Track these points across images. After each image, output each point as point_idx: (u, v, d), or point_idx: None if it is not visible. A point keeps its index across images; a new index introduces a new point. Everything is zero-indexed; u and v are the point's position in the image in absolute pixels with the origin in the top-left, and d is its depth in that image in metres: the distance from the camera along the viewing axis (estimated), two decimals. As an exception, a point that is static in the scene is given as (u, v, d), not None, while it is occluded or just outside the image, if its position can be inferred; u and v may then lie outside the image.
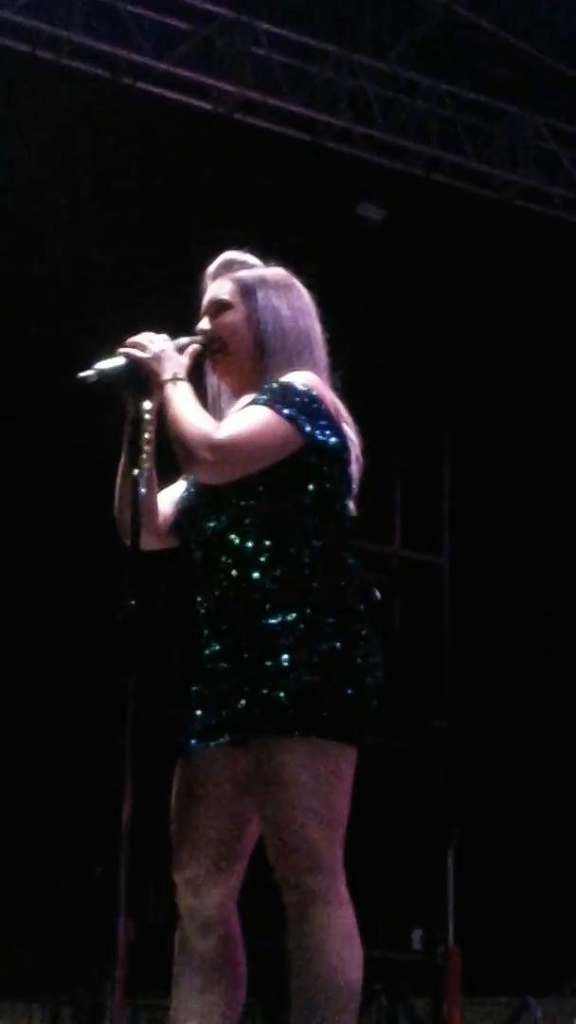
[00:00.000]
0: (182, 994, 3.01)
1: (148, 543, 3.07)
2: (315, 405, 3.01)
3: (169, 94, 8.48)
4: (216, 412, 3.16)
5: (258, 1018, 7.58)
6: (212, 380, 3.20)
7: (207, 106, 8.58)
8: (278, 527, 2.98)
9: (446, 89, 9.14)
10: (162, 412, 3.00)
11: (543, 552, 9.60)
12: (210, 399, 3.20)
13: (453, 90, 9.17)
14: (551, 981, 8.69)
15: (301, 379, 3.04)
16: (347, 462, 3.06)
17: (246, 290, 3.16)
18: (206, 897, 3.01)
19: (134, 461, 2.95)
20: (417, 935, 8.28)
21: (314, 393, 3.03)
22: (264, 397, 2.99)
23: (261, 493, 2.99)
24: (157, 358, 3.02)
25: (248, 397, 3.07)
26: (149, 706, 2.80)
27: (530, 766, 8.98)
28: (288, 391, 3.00)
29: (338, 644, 2.95)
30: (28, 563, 8.37)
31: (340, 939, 2.87)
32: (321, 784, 2.89)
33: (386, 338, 8.99)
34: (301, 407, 2.99)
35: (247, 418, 2.97)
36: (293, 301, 3.17)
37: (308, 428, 2.99)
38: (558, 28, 8.81)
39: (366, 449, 3.13)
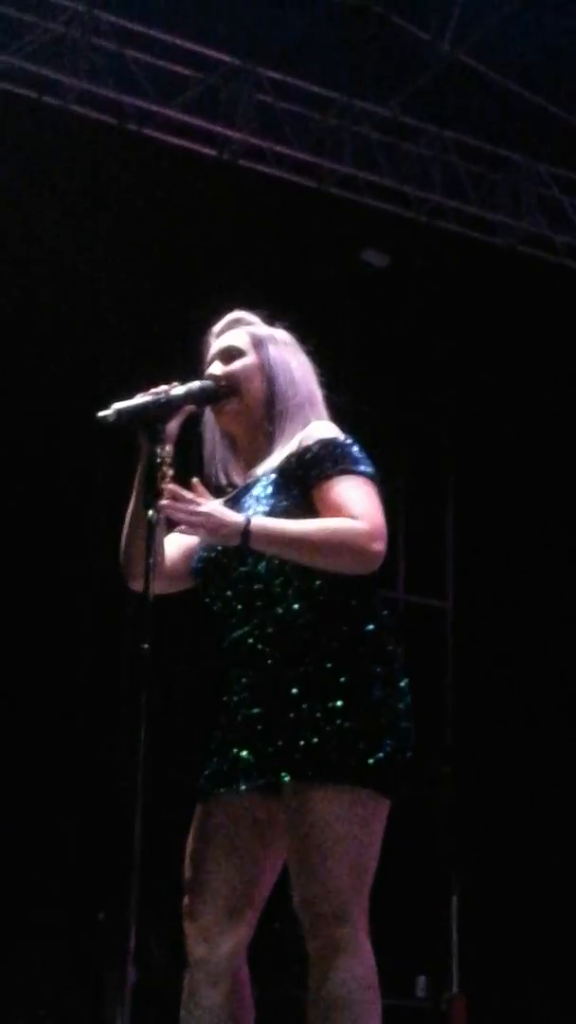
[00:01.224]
0: None
1: (157, 588, 3.05)
2: (363, 451, 3.05)
3: (174, 140, 8.53)
4: (213, 459, 3.18)
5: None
6: (211, 425, 3.21)
7: (212, 152, 8.63)
8: (319, 571, 2.97)
9: (449, 136, 9.19)
10: (163, 463, 2.98)
11: (546, 596, 9.58)
12: (208, 445, 3.21)
13: (456, 137, 9.22)
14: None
15: (332, 430, 3.07)
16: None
17: (258, 341, 3.20)
18: (218, 947, 2.98)
19: (148, 504, 2.94)
20: (421, 982, 8.22)
21: (352, 441, 3.07)
22: (340, 465, 2.99)
23: None
24: (219, 521, 2.92)
25: (279, 450, 3.06)
26: (160, 752, 2.79)
27: (534, 811, 8.93)
28: (345, 449, 3.02)
29: (380, 693, 2.95)
30: (33, 601, 8.35)
31: (361, 991, 2.85)
32: (356, 834, 2.88)
33: (389, 383, 9.02)
34: (365, 460, 3.02)
35: (360, 494, 2.97)
36: (301, 360, 3.22)
37: (376, 476, 3.03)
38: (562, 76, 8.86)
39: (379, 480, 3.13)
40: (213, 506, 2.93)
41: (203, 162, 8.59)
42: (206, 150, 8.63)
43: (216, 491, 3.13)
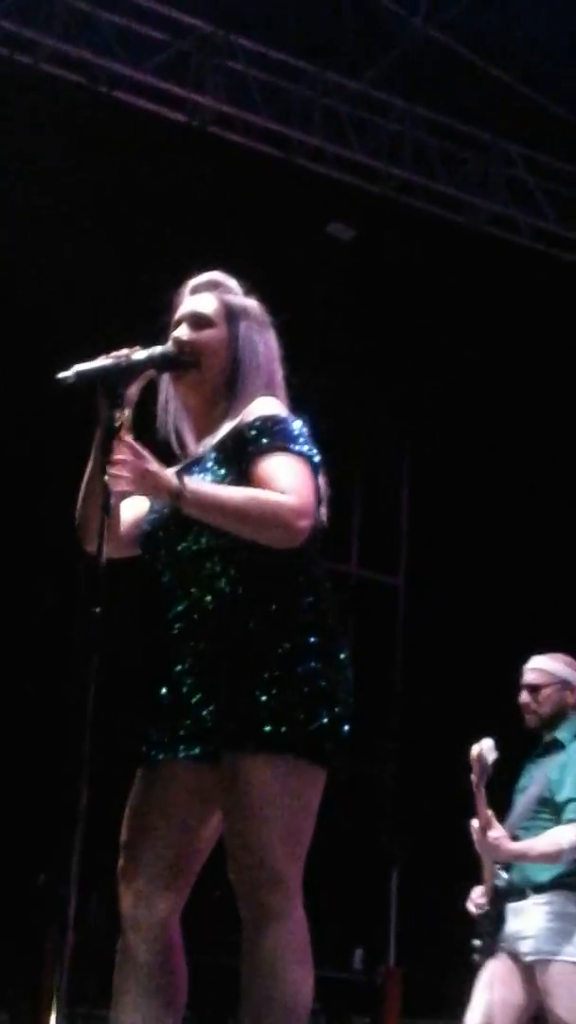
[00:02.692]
0: (124, 1003, 3.00)
1: (109, 551, 3.03)
2: (302, 429, 3.05)
3: (144, 104, 8.48)
4: (166, 425, 3.18)
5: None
6: (168, 391, 3.20)
7: (182, 118, 8.59)
8: (257, 547, 2.98)
9: (420, 113, 9.18)
10: (121, 427, 2.97)
11: (497, 573, 9.63)
12: (163, 411, 3.20)
13: (427, 114, 9.20)
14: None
15: (273, 407, 3.07)
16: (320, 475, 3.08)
17: (231, 314, 3.17)
18: (152, 908, 3.00)
19: (104, 468, 2.93)
20: (358, 955, 8.29)
21: (293, 419, 3.06)
22: (275, 442, 2.98)
23: None
24: (155, 479, 2.92)
25: (227, 425, 3.06)
26: (105, 716, 2.79)
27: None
28: (283, 427, 3.02)
29: (317, 665, 2.95)
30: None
31: (294, 959, 2.87)
32: (289, 802, 2.89)
33: (349, 357, 9.02)
34: (302, 438, 3.01)
35: (291, 471, 2.96)
36: (268, 340, 3.20)
37: (315, 457, 3.02)
38: (535, 58, 8.85)
39: (326, 469, 3.14)
40: (156, 466, 2.93)
41: (172, 128, 8.55)
42: (176, 115, 8.58)
43: (169, 458, 3.12)
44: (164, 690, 3.02)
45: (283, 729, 2.89)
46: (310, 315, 7.65)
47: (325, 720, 2.93)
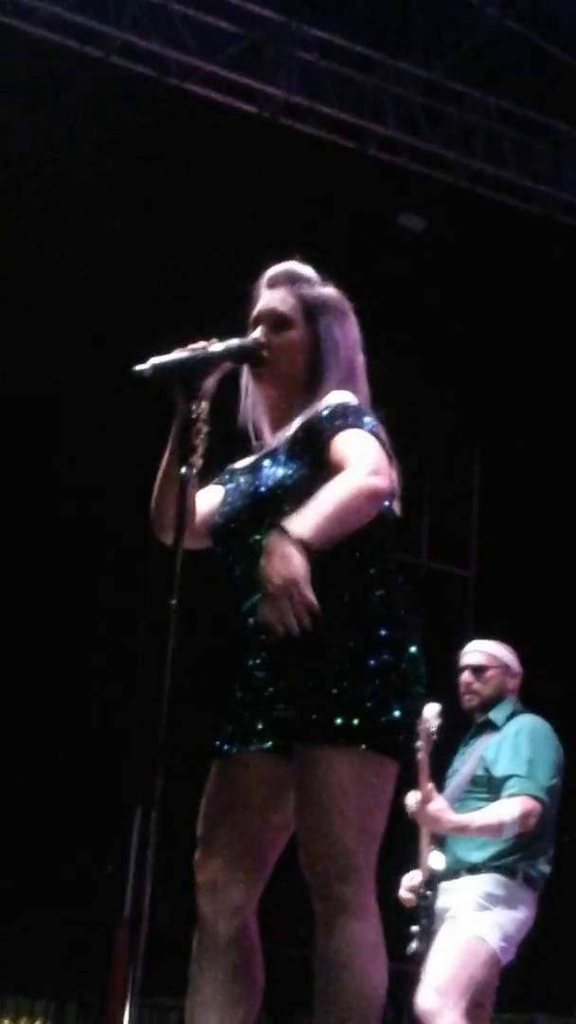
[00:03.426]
0: (201, 995, 3.00)
1: (186, 543, 3.03)
2: (373, 417, 3.05)
3: (215, 96, 8.48)
4: (247, 414, 3.19)
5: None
6: (247, 384, 3.20)
7: (252, 109, 8.58)
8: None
9: (492, 102, 9.12)
10: (198, 419, 2.97)
11: (569, 564, 9.57)
12: (245, 400, 3.20)
13: (500, 103, 9.14)
14: (559, 1000, 8.66)
15: (344, 397, 3.07)
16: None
17: (310, 312, 3.16)
18: (228, 899, 3.00)
19: (183, 460, 2.92)
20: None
21: (362, 405, 3.07)
22: (348, 422, 2.98)
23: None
24: (295, 568, 2.80)
25: (298, 420, 3.06)
26: (179, 709, 2.80)
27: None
28: (355, 411, 3.02)
29: (389, 657, 2.95)
30: (56, 558, 8.38)
31: (367, 951, 2.87)
32: (363, 795, 2.89)
33: (421, 348, 8.98)
34: (373, 422, 3.02)
35: (360, 442, 2.95)
36: (348, 331, 3.19)
37: (381, 434, 3.02)
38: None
39: (397, 460, 3.13)
40: (277, 584, 2.80)
41: (243, 119, 8.54)
42: (246, 107, 8.57)
43: (245, 449, 3.13)
44: (237, 683, 3.03)
45: (355, 721, 2.88)
46: (381, 306, 7.63)
47: (397, 713, 2.92)
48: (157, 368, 2.95)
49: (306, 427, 3.05)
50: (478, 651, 5.25)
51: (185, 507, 2.90)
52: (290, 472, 3.03)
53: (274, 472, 3.04)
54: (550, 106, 9.19)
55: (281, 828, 3.03)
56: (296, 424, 3.08)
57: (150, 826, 2.62)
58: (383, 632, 2.96)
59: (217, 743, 3.04)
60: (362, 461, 2.91)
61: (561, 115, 9.24)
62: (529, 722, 5.06)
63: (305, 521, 2.85)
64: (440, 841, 4.94)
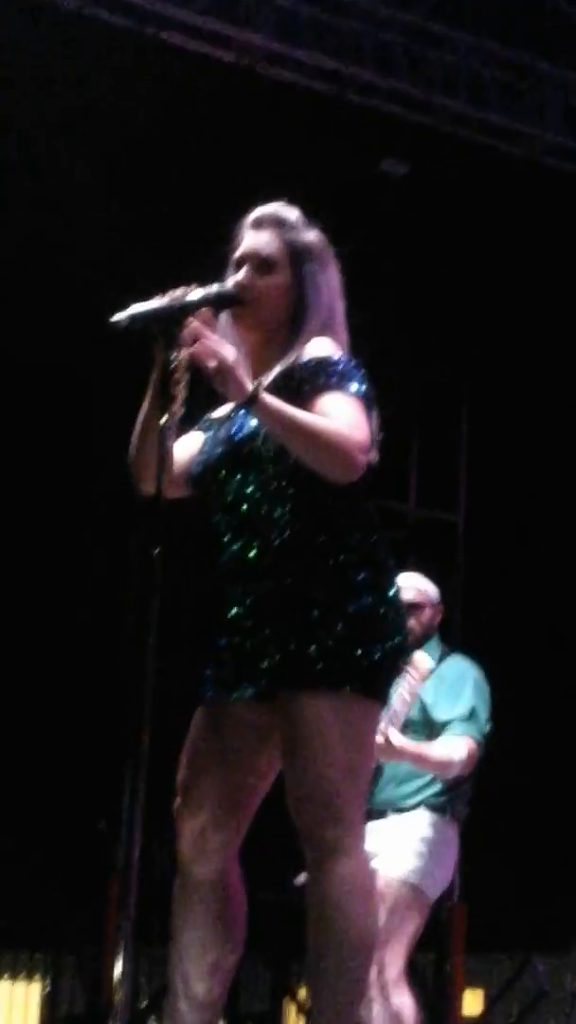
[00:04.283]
0: (184, 938, 3.04)
1: (166, 492, 3.05)
2: (353, 367, 3.06)
3: (192, 45, 8.39)
4: (239, 359, 3.17)
5: (261, 972, 7.63)
6: (224, 327, 3.18)
7: (230, 57, 8.50)
8: (310, 480, 2.98)
9: (474, 43, 9.04)
10: (194, 365, 2.96)
11: (558, 511, 9.58)
12: (233, 345, 3.19)
13: (482, 44, 9.06)
14: (555, 939, 8.74)
15: (327, 348, 3.07)
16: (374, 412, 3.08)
17: (295, 257, 3.16)
18: (209, 844, 3.05)
19: (163, 410, 2.92)
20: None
21: (347, 359, 3.08)
22: (331, 381, 3.00)
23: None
24: (232, 375, 2.91)
25: (277, 367, 3.04)
26: (165, 658, 2.81)
27: (539, 723, 8.99)
28: (338, 367, 3.03)
29: (369, 600, 2.97)
30: (42, 511, 8.37)
31: (359, 894, 2.92)
32: (346, 738, 2.93)
33: (406, 294, 8.95)
34: (356, 378, 3.03)
35: (348, 409, 2.97)
36: (330, 277, 3.20)
37: (367, 395, 3.03)
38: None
39: (384, 406, 3.13)
40: (236, 363, 2.90)
41: (220, 67, 8.46)
42: (224, 55, 8.49)
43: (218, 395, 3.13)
44: (220, 631, 3.04)
45: (337, 665, 2.93)
46: (365, 252, 7.59)
47: (377, 655, 2.97)
48: (135, 317, 2.94)
49: (286, 375, 3.05)
50: (413, 587, 5.11)
51: (165, 457, 2.91)
52: None
53: (250, 420, 3.05)
54: (533, 46, 9.11)
55: (264, 774, 3.07)
56: (275, 371, 3.07)
57: (139, 778, 2.64)
58: (362, 576, 2.99)
59: (201, 690, 3.07)
60: (356, 432, 2.94)
61: (544, 55, 9.16)
62: (469, 667, 5.08)
63: (276, 400, 2.90)
64: None
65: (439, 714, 4.90)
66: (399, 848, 4.77)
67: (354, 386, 3.01)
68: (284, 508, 3.00)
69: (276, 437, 2.95)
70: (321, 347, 3.08)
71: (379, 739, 4.73)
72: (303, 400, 2.99)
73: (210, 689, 3.06)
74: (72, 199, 7.96)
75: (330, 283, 3.19)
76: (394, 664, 3.01)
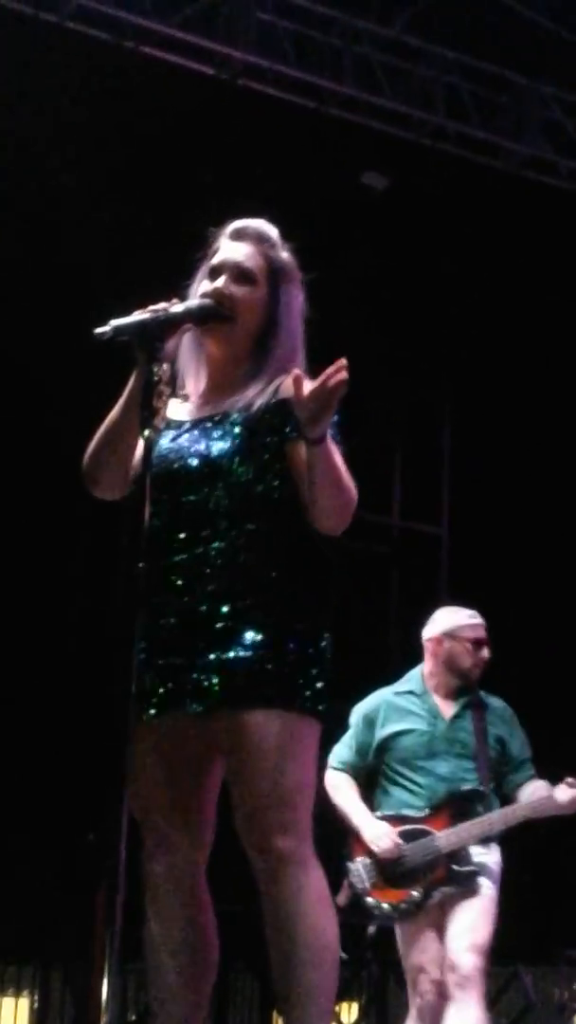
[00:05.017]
0: (159, 952, 3.03)
1: (113, 492, 3.12)
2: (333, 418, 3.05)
3: (172, 58, 8.40)
4: (186, 367, 3.18)
5: (250, 983, 7.62)
6: (190, 336, 3.17)
7: (210, 71, 8.51)
8: (270, 507, 3.04)
9: (452, 57, 9.07)
10: (160, 381, 2.96)
11: (542, 524, 9.59)
12: (185, 353, 3.18)
13: (459, 58, 9.09)
14: (542, 952, 8.73)
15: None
16: None
17: (275, 275, 3.18)
18: (179, 859, 3.04)
19: (145, 423, 2.91)
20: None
21: None
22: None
23: (270, 479, 3.03)
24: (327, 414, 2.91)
25: (255, 387, 3.10)
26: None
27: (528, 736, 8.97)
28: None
29: (315, 627, 3.05)
30: (29, 522, 8.37)
31: (317, 902, 2.95)
32: (297, 753, 2.98)
33: (388, 308, 8.96)
34: (335, 424, 3.02)
35: (343, 465, 3.00)
36: (299, 299, 3.21)
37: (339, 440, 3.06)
38: (568, -2, 8.74)
39: (367, 420, 3.15)
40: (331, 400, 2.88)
41: (201, 81, 8.47)
42: (204, 69, 8.50)
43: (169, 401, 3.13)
44: (148, 644, 3.01)
45: (288, 685, 2.98)
46: (346, 265, 7.61)
47: (319, 684, 3.02)
48: (118, 330, 2.94)
49: (273, 408, 3.06)
50: (481, 624, 5.32)
51: (150, 469, 2.90)
52: (244, 445, 3.07)
53: (227, 441, 3.06)
54: (509, 60, 9.15)
55: (211, 789, 3.09)
56: (251, 395, 3.08)
57: (123, 793, 2.63)
58: (311, 604, 3.06)
59: (143, 708, 3.04)
60: (353, 487, 2.99)
61: (521, 69, 9.19)
62: (505, 703, 5.18)
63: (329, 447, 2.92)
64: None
65: (514, 752, 5.07)
66: (493, 874, 4.89)
67: (334, 431, 3.02)
68: (247, 528, 3.02)
69: (312, 477, 2.96)
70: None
71: None
72: (286, 442, 3.04)
73: (151, 707, 3.03)
74: (53, 210, 7.95)
75: (299, 305, 3.21)
76: (327, 693, 3.06)
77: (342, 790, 4.94)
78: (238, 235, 3.22)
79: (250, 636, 2.98)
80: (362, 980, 8.57)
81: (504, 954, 8.46)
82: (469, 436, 9.74)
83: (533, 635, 9.49)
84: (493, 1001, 8.32)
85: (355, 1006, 9.27)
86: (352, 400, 3.03)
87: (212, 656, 2.99)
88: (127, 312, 2.99)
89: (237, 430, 3.08)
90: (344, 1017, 8.92)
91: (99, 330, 2.94)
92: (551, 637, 9.51)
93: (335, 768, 4.99)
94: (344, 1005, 9.00)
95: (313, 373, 2.99)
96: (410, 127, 9.04)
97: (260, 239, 3.21)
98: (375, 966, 8.29)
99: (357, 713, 5.14)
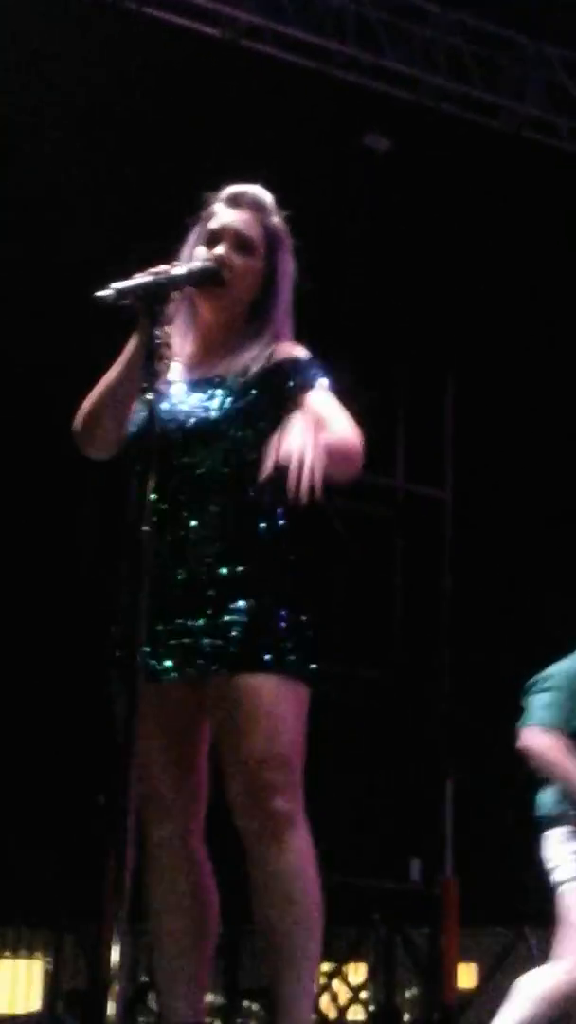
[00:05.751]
0: (163, 912, 3.05)
1: (105, 452, 3.16)
2: (319, 364, 3.17)
3: (176, 19, 8.35)
4: (179, 330, 3.16)
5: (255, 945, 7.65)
6: (183, 305, 3.17)
7: (214, 32, 8.46)
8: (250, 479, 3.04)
9: (455, 18, 9.01)
10: (162, 344, 2.96)
11: (545, 485, 9.58)
12: (178, 316, 3.16)
13: (462, 19, 9.03)
14: (547, 913, 8.75)
15: (300, 350, 3.18)
16: None
17: (273, 243, 3.21)
18: (169, 804, 3.07)
19: (148, 385, 2.90)
20: (415, 866, 8.35)
21: (312, 358, 3.18)
22: (311, 379, 3.11)
23: (261, 443, 3.01)
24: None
25: (251, 351, 3.11)
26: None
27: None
28: (312, 366, 3.15)
29: (302, 586, 3.09)
30: (33, 498, 8.38)
31: (310, 860, 2.97)
32: (294, 716, 3.02)
33: (390, 270, 8.93)
34: (326, 374, 3.14)
35: (337, 408, 3.08)
36: (291, 267, 3.24)
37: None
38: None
39: (370, 382, 3.16)
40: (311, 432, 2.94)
41: (204, 41, 8.42)
42: (208, 29, 8.45)
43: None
44: (155, 608, 3.01)
45: (280, 652, 3.01)
46: (348, 226, 7.59)
47: (311, 647, 3.06)
48: (120, 292, 2.93)
49: (266, 374, 3.07)
50: None
51: (156, 434, 2.89)
52: (243, 406, 3.08)
53: (227, 401, 3.06)
54: (512, 21, 9.09)
55: (202, 753, 3.13)
56: (246, 360, 3.09)
57: (132, 754, 2.64)
58: (304, 570, 3.10)
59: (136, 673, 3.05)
60: (354, 431, 3.04)
61: (523, 29, 9.14)
62: None
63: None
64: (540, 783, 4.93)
65: None
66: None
67: (327, 382, 3.11)
68: (240, 493, 3.03)
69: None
70: (293, 348, 3.16)
71: None
72: (287, 398, 3.05)
73: (146, 671, 3.04)
74: (53, 170, 7.93)
75: (291, 273, 3.24)
76: (317, 655, 3.08)
77: (555, 750, 4.88)
78: (235, 201, 3.22)
79: (242, 601, 3.01)
80: (370, 942, 8.62)
81: (509, 916, 8.51)
82: (471, 398, 9.72)
83: (538, 599, 9.49)
84: (498, 962, 8.37)
85: (362, 967, 9.33)
86: (354, 362, 3.04)
87: (205, 621, 3.01)
88: (127, 275, 2.98)
89: (233, 394, 3.08)
90: (352, 978, 8.98)
91: (101, 293, 2.92)
92: (557, 602, 9.51)
93: (542, 728, 4.93)
94: (352, 966, 9.06)
95: (303, 338, 3.05)
96: (412, 88, 8.99)
97: (258, 206, 3.21)
98: (382, 927, 8.34)
99: (566, 676, 5.07)
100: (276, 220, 3.22)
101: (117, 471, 3.16)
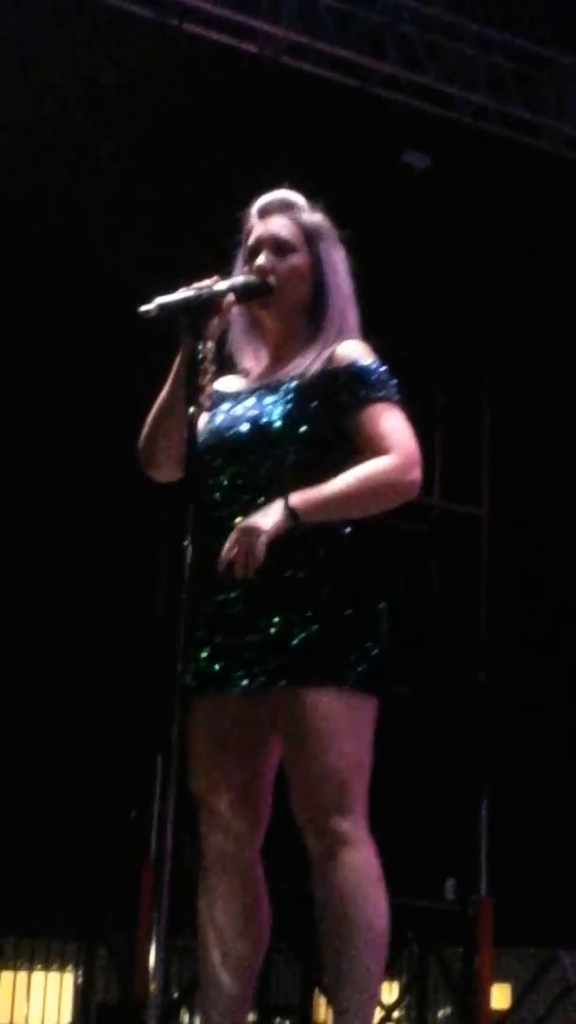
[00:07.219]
0: (209, 922, 3.03)
1: (166, 472, 3.13)
2: (386, 370, 3.09)
3: (215, 36, 8.38)
4: (239, 345, 3.16)
5: (291, 964, 7.64)
6: (241, 321, 3.17)
7: (253, 49, 8.49)
8: (320, 477, 2.99)
9: (493, 36, 9.02)
10: (205, 359, 2.97)
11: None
12: (237, 331, 3.16)
13: (502, 37, 9.04)
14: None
15: (363, 352, 3.10)
16: None
17: (310, 236, 3.18)
18: (232, 827, 3.04)
19: (191, 400, 2.91)
20: (450, 885, 8.31)
21: (378, 362, 3.10)
22: (375, 393, 3.04)
23: (315, 449, 3.01)
24: (264, 535, 2.95)
25: (312, 351, 3.08)
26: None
27: (565, 718, 8.97)
28: (379, 376, 3.07)
29: (367, 596, 3.03)
30: (71, 499, 8.41)
31: (371, 881, 2.94)
32: (353, 732, 2.96)
33: (428, 286, 8.93)
34: (392, 382, 3.07)
35: (393, 422, 3.03)
36: (341, 255, 3.22)
37: (401, 397, 3.09)
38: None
39: (406, 399, 3.14)
40: (257, 524, 2.93)
41: (244, 59, 8.45)
42: (247, 47, 8.48)
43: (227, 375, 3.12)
44: (205, 620, 3.02)
45: (341, 660, 2.96)
46: (387, 243, 7.59)
47: (376, 651, 3.00)
48: (162, 308, 2.94)
49: (324, 378, 3.05)
50: None
51: (195, 447, 2.90)
52: (296, 411, 3.04)
53: (277, 408, 3.05)
54: (551, 38, 9.09)
55: (268, 769, 3.09)
56: (309, 357, 3.07)
57: (170, 769, 2.64)
58: (362, 573, 3.03)
59: (190, 681, 3.05)
60: (400, 451, 2.98)
61: (563, 47, 9.13)
62: None
63: (310, 496, 2.94)
64: None
65: None
66: None
67: (393, 393, 3.05)
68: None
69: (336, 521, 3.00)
70: (356, 350, 3.10)
71: None
72: (345, 412, 3.02)
73: (201, 681, 3.04)
74: (96, 190, 7.97)
75: (342, 262, 3.21)
76: (384, 665, 3.03)
77: None
78: (265, 211, 3.23)
79: (303, 612, 2.96)
80: (403, 960, 8.59)
81: (544, 937, 8.47)
82: (509, 416, 9.70)
83: (573, 617, 9.45)
84: (532, 982, 8.33)
85: (395, 985, 9.30)
86: (392, 377, 3.03)
87: (266, 633, 2.98)
88: (170, 291, 2.99)
89: (290, 396, 3.06)
90: (384, 997, 8.95)
91: (144, 308, 2.94)
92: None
93: None
94: (385, 985, 9.03)
95: (370, 333, 3.03)
96: (451, 106, 9.00)
97: (287, 207, 3.23)
98: (415, 946, 8.31)
99: None
100: (310, 215, 3.22)
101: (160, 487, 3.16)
